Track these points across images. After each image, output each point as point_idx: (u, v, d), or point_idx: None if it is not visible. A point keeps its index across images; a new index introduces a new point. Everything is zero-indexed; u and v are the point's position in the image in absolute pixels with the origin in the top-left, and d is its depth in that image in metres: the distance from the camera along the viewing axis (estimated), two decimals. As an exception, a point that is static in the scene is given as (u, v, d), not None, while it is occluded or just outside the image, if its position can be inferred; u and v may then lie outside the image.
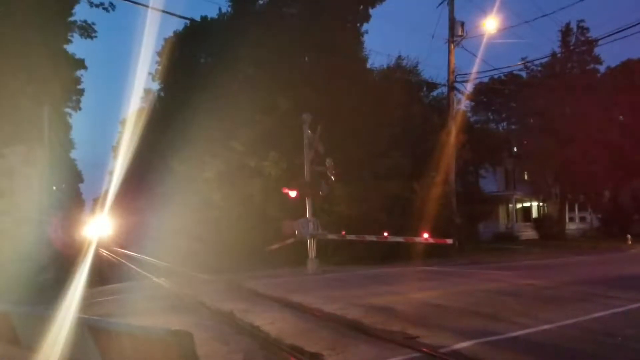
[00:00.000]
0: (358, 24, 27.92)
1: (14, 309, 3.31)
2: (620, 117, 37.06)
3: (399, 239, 17.52)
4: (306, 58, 25.42)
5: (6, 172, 12.81)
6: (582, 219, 41.29)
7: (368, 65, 26.88)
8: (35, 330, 2.95)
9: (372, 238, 17.68)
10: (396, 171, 22.02)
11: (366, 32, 28.23)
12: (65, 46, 26.61)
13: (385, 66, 26.69)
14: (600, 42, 30.40)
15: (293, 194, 17.06)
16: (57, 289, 11.57)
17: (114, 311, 9.74)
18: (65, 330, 2.77)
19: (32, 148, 13.78)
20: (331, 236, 17.80)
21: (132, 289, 13.13)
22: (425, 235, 16.73)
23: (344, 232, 17.92)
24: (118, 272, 19.36)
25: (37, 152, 13.78)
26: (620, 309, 9.10)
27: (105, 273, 18.33)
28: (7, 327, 2.99)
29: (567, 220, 38.20)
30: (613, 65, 38.07)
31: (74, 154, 48.64)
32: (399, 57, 26.78)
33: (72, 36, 27.69)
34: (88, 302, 10.48)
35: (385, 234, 17.36)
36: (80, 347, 2.65)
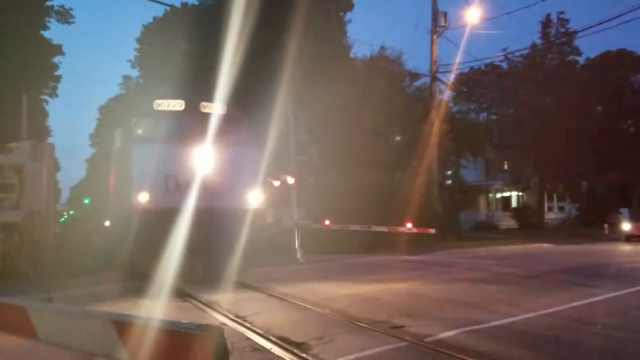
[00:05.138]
0: (341, 13, 27.80)
1: (30, 302, 3.23)
2: (599, 107, 37.71)
3: (383, 228, 17.63)
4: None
5: (16, 168, 12.88)
6: (561, 209, 42.06)
7: (351, 55, 26.83)
8: (54, 324, 2.88)
9: (356, 228, 17.76)
10: (379, 161, 22.10)
11: (349, 21, 28.15)
12: (42, 32, 26.07)
13: (368, 56, 26.68)
14: (580, 34, 30.91)
15: (277, 183, 17.02)
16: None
17: (82, 300, 9.61)
18: (87, 324, 2.69)
19: (39, 142, 13.96)
20: (315, 226, 17.83)
21: (112, 280, 12.94)
22: (409, 225, 16.86)
23: (328, 222, 17.96)
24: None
25: (45, 146, 13.94)
26: (598, 298, 9.33)
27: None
28: (25, 322, 2.91)
29: (545, 209, 38.85)
30: (592, 56, 38.69)
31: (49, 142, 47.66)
32: (382, 47, 26.78)
33: (49, 21, 27.16)
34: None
35: (369, 223, 17.46)
36: (104, 342, 2.57)
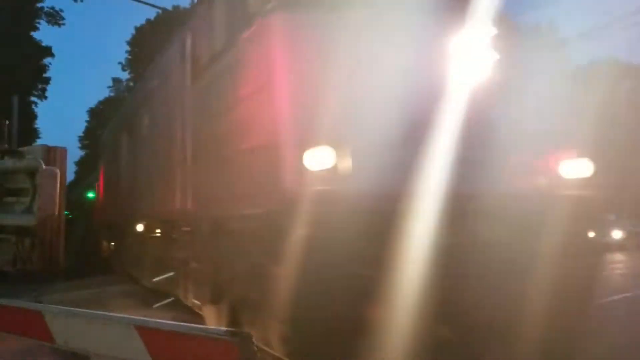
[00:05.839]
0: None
1: (47, 307, 3.17)
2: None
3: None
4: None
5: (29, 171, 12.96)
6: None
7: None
8: (73, 329, 2.81)
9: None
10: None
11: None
12: (32, 33, 26.01)
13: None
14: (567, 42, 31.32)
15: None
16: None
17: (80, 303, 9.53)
18: (108, 329, 2.62)
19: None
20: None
21: (104, 283, 12.88)
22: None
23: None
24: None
25: (58, 150, 14.20)
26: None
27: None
28: (41, 326, 2.86)
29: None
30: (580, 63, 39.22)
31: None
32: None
33: (39, 23, 27.09)
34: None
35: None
36: (126, 347, 2.50)
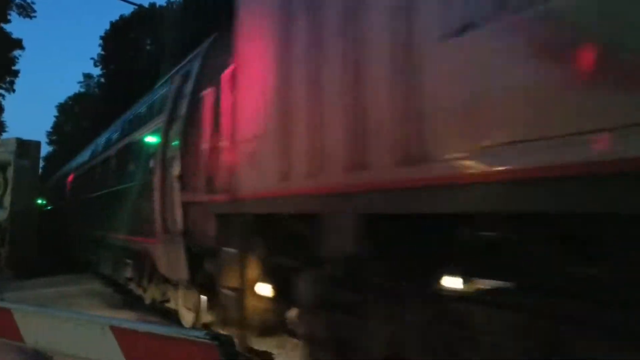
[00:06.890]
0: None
1: (17, 306, 3.05)
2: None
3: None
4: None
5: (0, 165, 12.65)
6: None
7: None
8: (44, 328, 2.71)
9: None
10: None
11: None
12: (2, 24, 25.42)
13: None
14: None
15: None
16: None
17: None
18: (82, 330, 2.52)
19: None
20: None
21: (68, 282, 12.61)
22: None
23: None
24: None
25: (31, 144, 13.91)
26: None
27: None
28: (10, 325, 2.75)
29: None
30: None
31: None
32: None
33: (9, 14, 26.52)
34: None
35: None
36: (100, 349, 2.43)
